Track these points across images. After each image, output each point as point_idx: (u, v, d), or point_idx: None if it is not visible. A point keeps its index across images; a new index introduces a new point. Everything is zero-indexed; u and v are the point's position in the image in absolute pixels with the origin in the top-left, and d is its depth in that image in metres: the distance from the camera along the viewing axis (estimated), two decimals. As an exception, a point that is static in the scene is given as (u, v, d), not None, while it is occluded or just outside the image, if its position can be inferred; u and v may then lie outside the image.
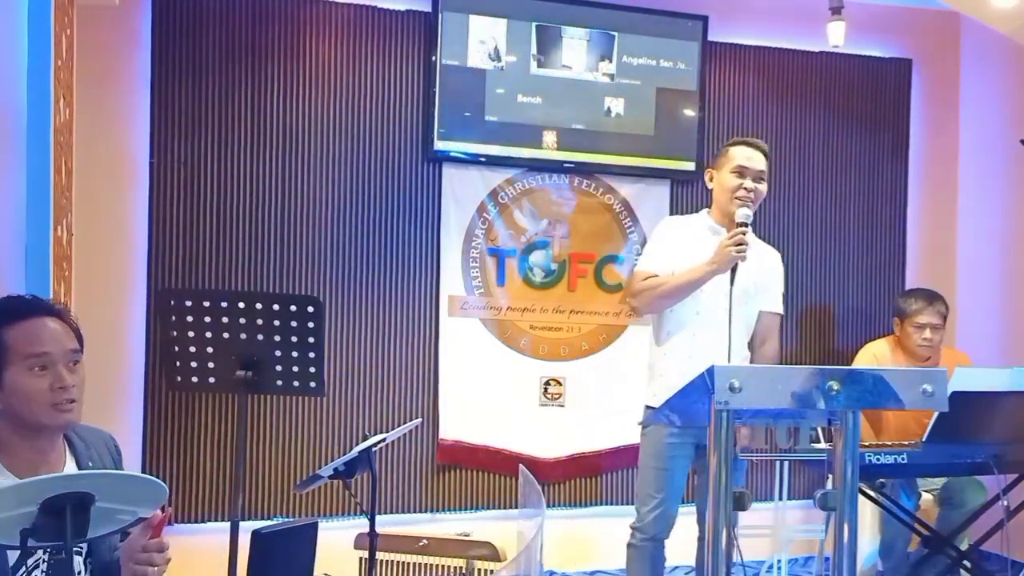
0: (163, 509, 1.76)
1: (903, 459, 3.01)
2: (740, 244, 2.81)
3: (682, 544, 3.18)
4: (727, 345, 2.83)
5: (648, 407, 3.04)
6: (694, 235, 3.01)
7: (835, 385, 1.82)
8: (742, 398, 1.78)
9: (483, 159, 4.14)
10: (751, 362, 3.04)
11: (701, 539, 3.07)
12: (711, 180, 3.06)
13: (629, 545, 3.02)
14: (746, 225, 2.88)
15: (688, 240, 3.00)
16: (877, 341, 4.05)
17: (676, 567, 3.99)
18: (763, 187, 2.99)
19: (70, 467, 1.85)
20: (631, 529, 3.02)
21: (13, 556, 1.68)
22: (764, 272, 3.06)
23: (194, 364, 2.54)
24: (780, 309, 3.12)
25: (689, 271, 2.91)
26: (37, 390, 1.74)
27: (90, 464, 1.88)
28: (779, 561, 3.93)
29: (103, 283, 3.74)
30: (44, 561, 1.75)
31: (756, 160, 2.97)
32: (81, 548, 1.81)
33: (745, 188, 2.93)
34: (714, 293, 2.89)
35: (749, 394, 1.79)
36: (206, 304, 2.50)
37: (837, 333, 4.58)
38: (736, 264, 2.82)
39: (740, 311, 2.94)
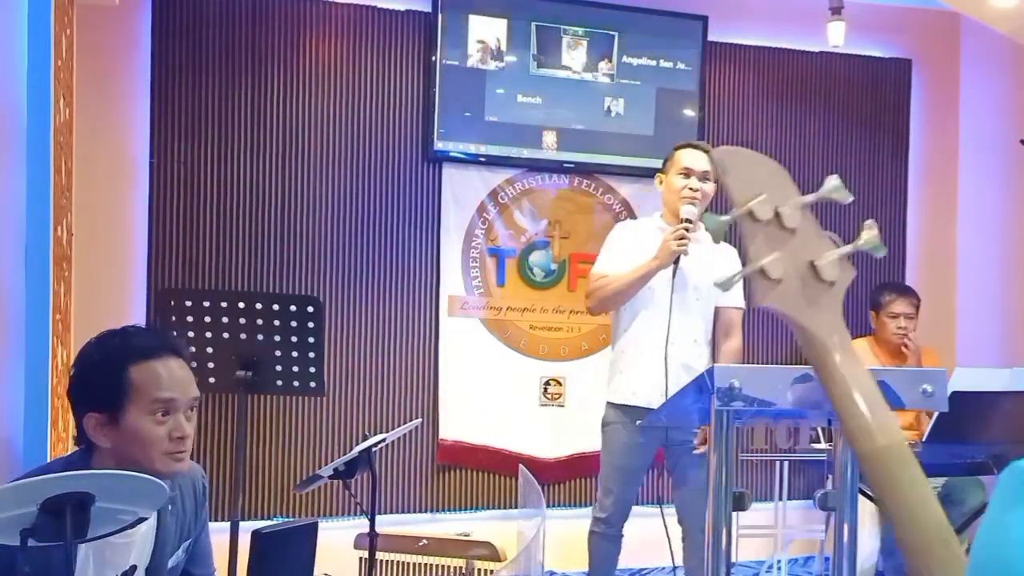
0: None
1: (903, 459, 3.01)
2: (681, 239, 2.95)
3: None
4: (670, 340, 2.99)
5: (608, 403, 3.17)
6: (645, 236, 3.15)
7: (835, 385, 1.82)
8: (742, 398, 1.79)
9: (483, 159, 4.14)
10: (713, 357, 3.16)
11: (685, 539, 3.16)
12: (660, 184, 3.21)
13: (591, 532, 3.19)
14: (690, 221, 3.01)
15: (640, 242, 3.13)
16: (855, 341, 4.15)
17: (677, 567, 3.98)
18: (709, 187, 3.12)
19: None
20: (594, 518, 3.18)
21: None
22: (719, 268, 3.12)
23: (194, 364, 2.52)
24: (739, 303, 3.21)
25: (634, 270, 3.05)
26: (156, 436, 1.65)
27: (170, 507, 1.79)
28: (779, 561, 3.92)
29: (103, 283, 3.74)
30: None
31: (701, 161, 3.12)
32: None
33: (691, 188, 3.08)
34: (662, 290, 3.03)
35: (749, 394, 1.79)
36: (206, 304, 2.51)
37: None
38: (678, 258, 2.97)
39: (693, 306, 3.08)
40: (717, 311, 3.16)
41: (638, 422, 3.02)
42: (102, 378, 1.65)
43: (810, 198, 0.96)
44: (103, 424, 1.64)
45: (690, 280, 3.05)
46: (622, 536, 3.19)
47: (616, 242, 3.22)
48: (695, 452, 3.05)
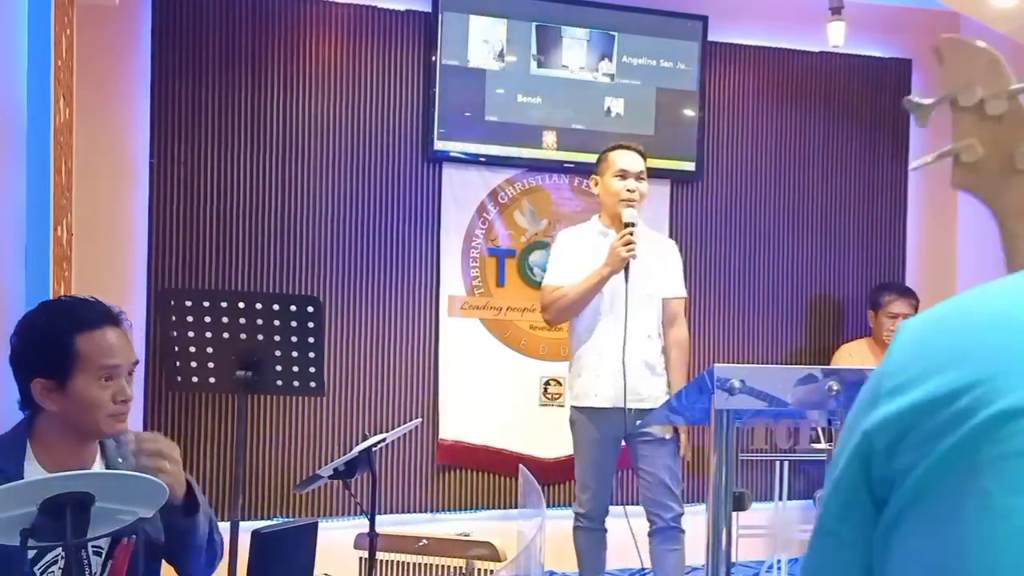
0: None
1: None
2: (628, 244, 3.02)
3: (690, 543, 3.18)
4: (628, 338, 3.07)
5: (572, 407, 3.27)
6: (588, 242, 3.22)
7: (835, 385, 1.82)
8: (742, 398, 1.79)
9: (483, 159, 4.14)
10: (664, 348, 3.23)
11: (653, 535, 3.20)
12: (596, 186, 3.29)
13: (576, 528, 3.27)
14: (633, 225, 3.07)
15: (584, 248, 3.20)
16: (853, 341, 4.21)
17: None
18: (645, 186, 3.20)
19: (99, 467, 1.86)
20: (575, 514, 3.27)
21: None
22: (660, 263, 3.25)
23: (194, 364, 2.54)
24: (682, 293, 3.31)
25: (587, 278, 3.11)
26: (102, 400, 1.76)
27: (120, 462, 1.89)
28: (779, 561, 3.92)
29: (103, 283, 3.73)
30: (61, 558, 1.76)
31: (635, 162, 3.19)
32: (100, 548, 1.82)
33: (628, 190, 3.14)
34: (614, 293, 3.09)
35: (749, 394, 1.79)
36: (206, 304, 2.50)
37: (837, 333, 4.58)
38: (628, 262, 3.03)
39: (644, 303, 3.16)
40: (662, 302, 3.24)
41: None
42: (50, 347, 1.75)
43: (1022, 87, 0.97)
44: (50, 389, 1.74)
45: (640, 279, 3.11)
46: (606, 530, 3.27)
47: (562, 251, 3.27)
48: (666, 437, 3.12)
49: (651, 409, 2.76)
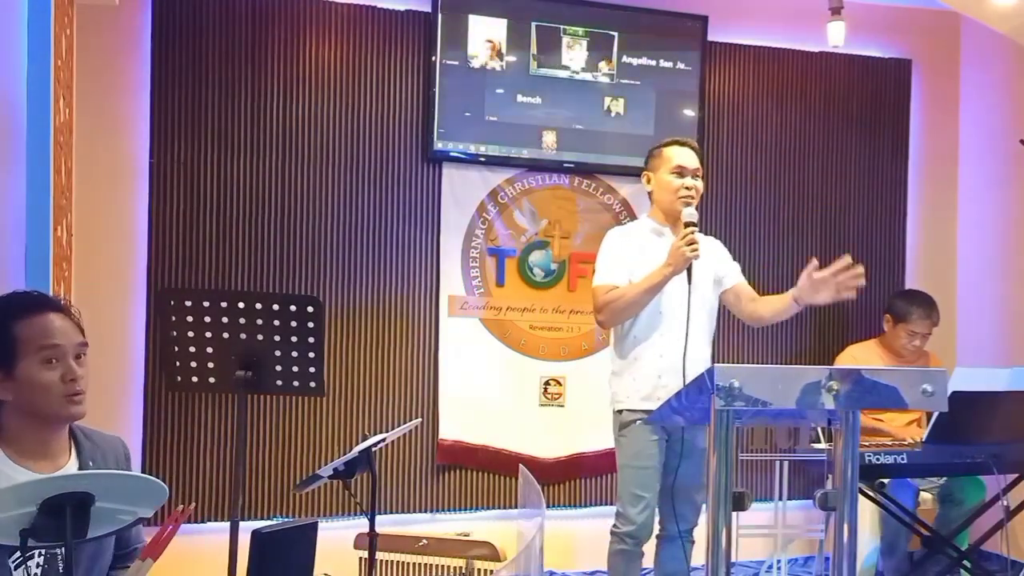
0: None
1: (903, 459, 3.02)
2: (692, 244, 2.90)
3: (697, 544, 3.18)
4: (689, 340, 2.95)
5: (626, 410, 3.05)
6: (640, 240, 3.11)
7: (835, 385, 1.82)
8: (742, 398, 1.78)
9: (483, 159, 4.14)
10: (753, 317, 3.16)
11: (660, 537, 3.12)
12: (648, 183, 3.16)
13: (619, 551, 3.01)
14: (695, 224, 2.95)
15: (636, 247, 3.08)
16: (858, 344, 4.15)
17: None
18: (701, 184, 3.09)
19: (72, 461, 1.87)
20: (617, 535, 3.01)
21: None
22: (715, 261, 3.17)
23: (194, 364, 2.54)
24: (742, 276, 3.24)
25: (647, 277, 2.97)
26: (50, 382, 1.77)
27: (91, 464, 1.89)
28: (779, 561, 3.92)
29: (103, 283, 3.74)
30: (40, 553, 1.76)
31: (692, 159, 3.09)
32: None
33: (686, 187, 3.04)
34: (674, 293, 2.98)
35: (749, 394, 1.79)
36: (206, 304, 2.50)
37: (836, 332, 4.58)
38: (691, 263, 2.91)
39: (704, 304, 3.07)
40: (732, 290, 3.16)
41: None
42: None
43: None
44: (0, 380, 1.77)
45: (700, 281, 3.01)
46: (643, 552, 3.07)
47: (614, 250, 3.12)
48: None
49: None
